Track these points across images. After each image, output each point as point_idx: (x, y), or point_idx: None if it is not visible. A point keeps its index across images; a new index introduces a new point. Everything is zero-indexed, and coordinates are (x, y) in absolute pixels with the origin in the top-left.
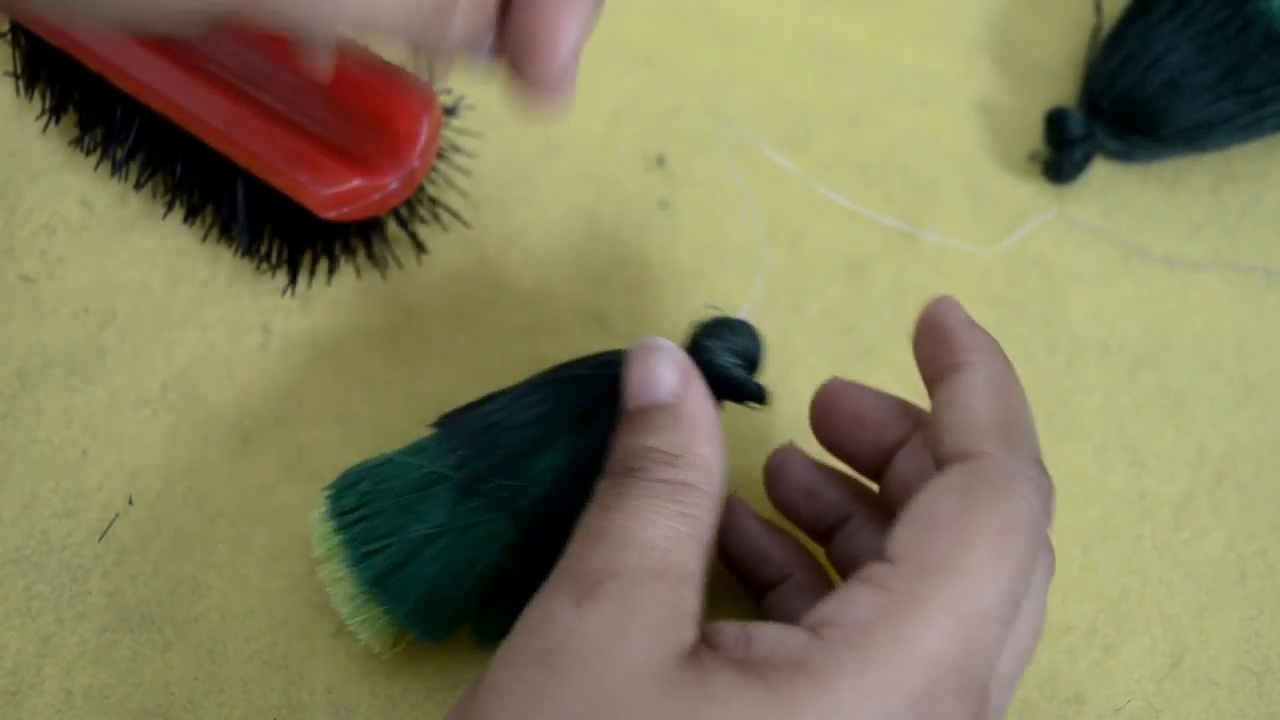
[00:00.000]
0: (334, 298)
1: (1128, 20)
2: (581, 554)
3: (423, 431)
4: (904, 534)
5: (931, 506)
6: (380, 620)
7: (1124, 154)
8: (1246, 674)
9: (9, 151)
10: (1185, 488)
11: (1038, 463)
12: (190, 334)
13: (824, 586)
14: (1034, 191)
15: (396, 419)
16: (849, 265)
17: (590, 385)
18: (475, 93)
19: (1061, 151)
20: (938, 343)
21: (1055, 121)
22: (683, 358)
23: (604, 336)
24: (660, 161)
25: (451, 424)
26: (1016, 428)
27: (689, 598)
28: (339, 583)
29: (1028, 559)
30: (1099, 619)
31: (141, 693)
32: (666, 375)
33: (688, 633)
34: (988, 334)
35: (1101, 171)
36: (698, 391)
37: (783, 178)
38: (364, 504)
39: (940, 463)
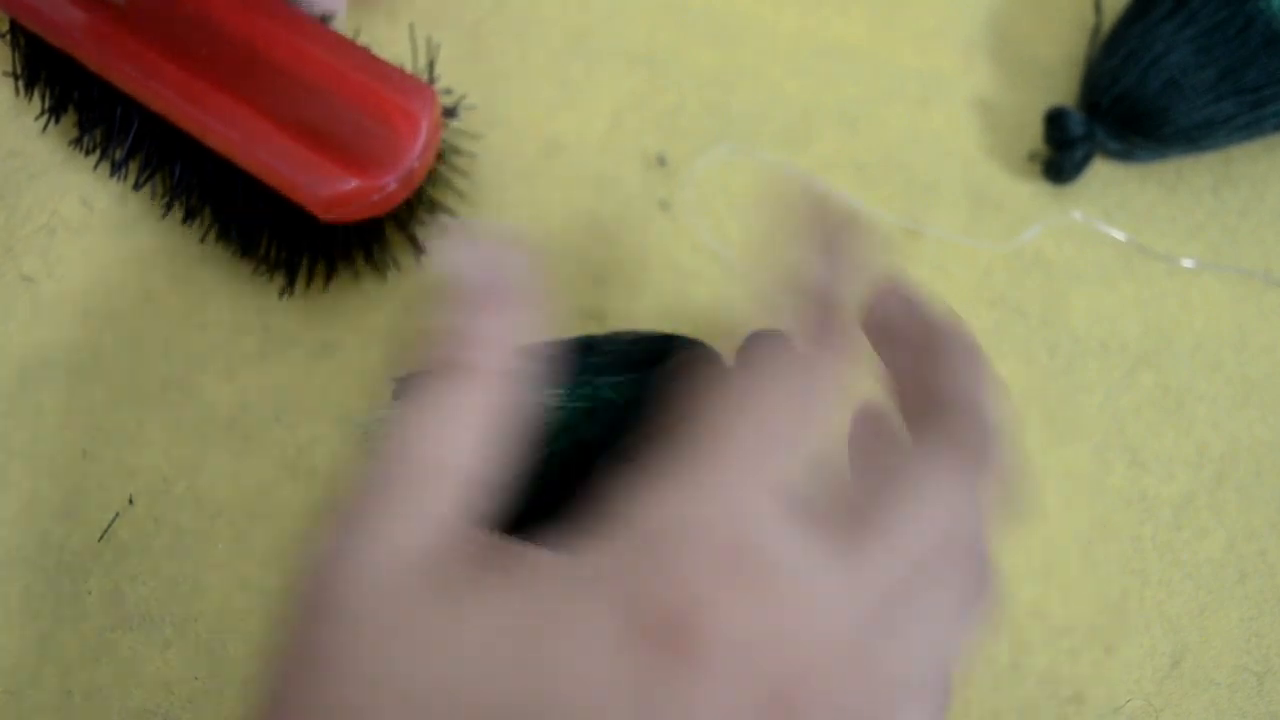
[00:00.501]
0: (333, 298)
1: (1127, 20)
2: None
3: None
4: None
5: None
6: None
7: (1124, 154)
8: (1247, 674)
9: (9, 151)
10: (1185, 488)
11: None
12: (190, 334)
13: None
14: (1034, 191)
15: None
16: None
17: (651, 342)
18: (475, 93)
19: (1062, 151)
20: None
21: (1055, 121)
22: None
23: None
24: (660, 161)
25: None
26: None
27: (440, 495)
28: None
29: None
30: (1099, 619)
31: (141, 692)
32: (457, 253)
33: (428, 535)
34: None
35: (1102, 171)
36: (476, 264)
37: (783, 178)
38: None
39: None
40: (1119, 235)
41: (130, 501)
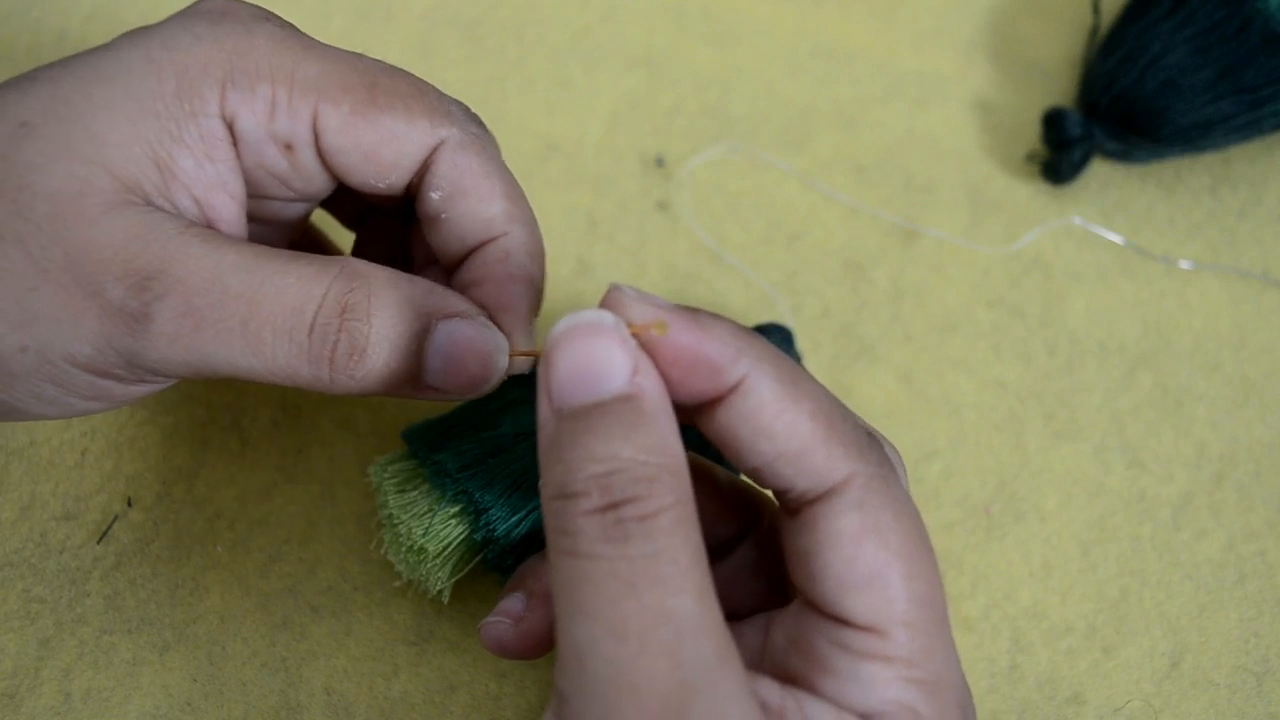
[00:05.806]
0: None
1: (1125, 20)
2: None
3: None
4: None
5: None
6: (450, 549)
7: (1122, 154)
8: (1246, 674)
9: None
10: (1184, 488)
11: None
12: None
13: None
14: (1032, 192)
15: (394, 422)
16: (848, 265)
17: None
18: (473, 93)
19: (1060, 152)
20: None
21: (1053, 122)
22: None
23: None
24: (659, 162)
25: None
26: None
27: None
28: (412, 504)
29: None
30: (1099, 619)
31: (140, 695)
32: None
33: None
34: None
35: (1100, 172)
36: (653, 374)
37: (782, 178)
38: (445, 428)
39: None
40: (1116, 238)
41: (129, 504)
